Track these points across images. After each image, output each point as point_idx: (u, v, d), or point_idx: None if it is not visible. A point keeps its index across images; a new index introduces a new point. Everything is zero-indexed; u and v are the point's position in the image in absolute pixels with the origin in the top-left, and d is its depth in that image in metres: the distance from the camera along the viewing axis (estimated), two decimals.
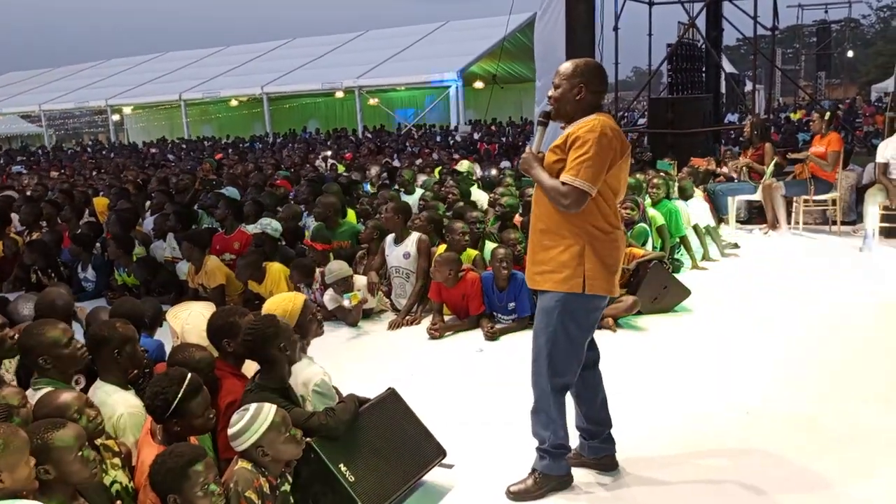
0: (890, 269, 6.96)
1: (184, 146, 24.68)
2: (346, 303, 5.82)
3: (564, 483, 3.32)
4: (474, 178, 9.37)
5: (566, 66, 3.18)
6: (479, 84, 25.75)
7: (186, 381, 2.82)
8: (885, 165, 7.67)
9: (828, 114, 8.77)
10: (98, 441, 2.74)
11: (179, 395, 2.78)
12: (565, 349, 3.16)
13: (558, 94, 3.16)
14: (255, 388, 3.11)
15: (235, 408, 2.95)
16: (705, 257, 7.53)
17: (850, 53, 48.36)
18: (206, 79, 29.73)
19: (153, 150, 24.16)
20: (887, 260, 7.31)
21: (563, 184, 3.02)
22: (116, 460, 2.78)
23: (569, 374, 3.21)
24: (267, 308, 3.52)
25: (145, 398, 2.87)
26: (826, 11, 41.50)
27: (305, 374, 3.35)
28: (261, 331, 3.11)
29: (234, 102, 29.58)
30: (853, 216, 8.98)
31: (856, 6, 42.97)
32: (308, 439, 3.00)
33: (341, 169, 12.70)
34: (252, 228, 6.91)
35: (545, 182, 3.11)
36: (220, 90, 28.53)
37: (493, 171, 10.16)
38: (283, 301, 3.53)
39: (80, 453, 2.41)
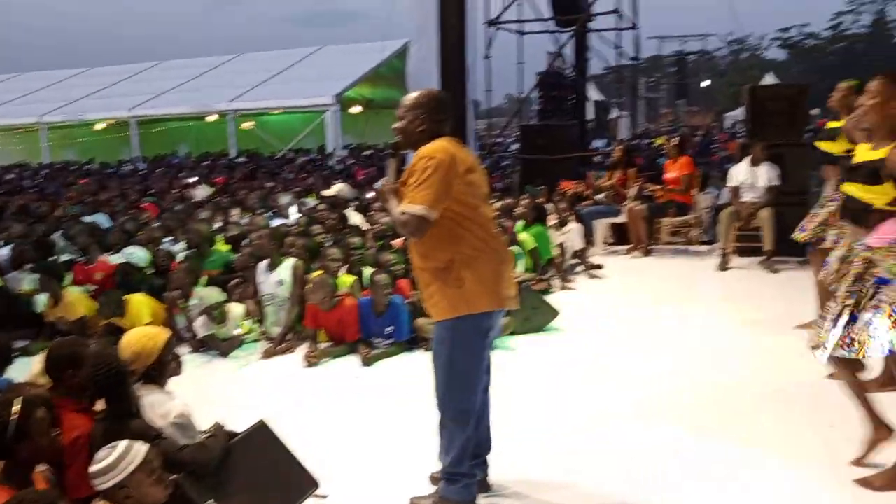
0: (745, 286, 7.43)
1: (44, 172, 23.38)
2: (237, 331, 5.71)
3: None
4: (346, 200, 9.34)
5: (409, 98, 3.24)
6: (355, 109, 25.77)
7: (16, 401, 2.69)
8: (737, 189, 8.19)
9: (677, 139, 9.35)
10: None
11: (15, 414, 2.65)
12: (462, 377, 3.16)
13: (402, 125, 3.22)
14: (111, 416, 3.00)
15: (83, 443, 2.82)
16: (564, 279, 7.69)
17: (705, 83, 51.52)
18: (69, 101, 28.41)
19: (10, 176, 22.74)
20: (743, 277, 7.81)
21: (402, 213, 3.05)
22: None
23: (469, 400, 3.20)
24: (127, 341, 3.36)
25: None
26: (684, 43, 44.27)
27: (164, 407, 3.22)
28: (107, 372, 2.99)
29: (99, 126, 28.36)
30: (711, 236, 9.52)
31: (710, 39, 46.00)
32: (174, 476, 2.90)
33: (211, 193, 12.41)
34: (116, 258, 6.63)
35: (393, 214, 3.15)
36: (85, 113, 27.32)
37: (371, 194, 10.16)
38: (143, 336, 3.36)
39: None
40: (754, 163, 8.04)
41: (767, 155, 8.01)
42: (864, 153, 3.34)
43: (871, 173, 3.20)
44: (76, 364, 3.15)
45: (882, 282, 3.17)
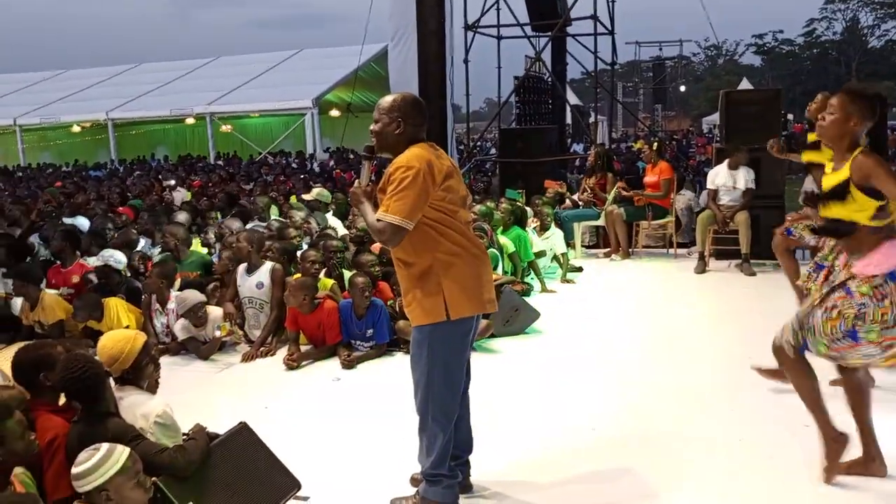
0: (722, 288, 7.50)
1: (19, 174, 23.14)
2: (217, 333, 5.67)
3: None
4: (328, 204, 9.32)
5: (385, 101, 3.21)
6: (334, 112, 25.72)
7: None
8: (715, 192, 8.27)
9: (655, 144, 9.40)
10: None
11: None
12: (442, 379, 3.17)
13: (378, 128, 3.20)
14: (87, 417, 2.99)
15: (59, 444, 2.80)
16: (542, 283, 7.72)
17: (682, 88, 51.99)
18: (44, 104, 28.14)
19: None
20: (720, 280, 7.89)
21: (378, 220, 3.05)
22: None
23: (449, 402, 3.21)
24: (103, 345, 3.34)
25: None
26: (660, 49, 44.68)
27: (145, 407, 3.21)
28: (80, 375, 2.98)
29: (75, 128, 28.12)
30: (689, 238, 9.60)
31: (686, 45, 46.44)
32: (154, 479, 2.88)
33: (189, 196, 12.35)
34: (93, 261, 6.57)
35: (367, 219, 3.14)
36: (60, 115, 27.08)
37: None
38: (120, 340, 3.34)
39: None
40: (733, 166, 8.13)
41: (747, 159, 8.10)
42: (829, 179, 3.29)
43: (841, 194, 3.15)
44: (47, 366, 3.13)
45: (848, 292, 3.18)
